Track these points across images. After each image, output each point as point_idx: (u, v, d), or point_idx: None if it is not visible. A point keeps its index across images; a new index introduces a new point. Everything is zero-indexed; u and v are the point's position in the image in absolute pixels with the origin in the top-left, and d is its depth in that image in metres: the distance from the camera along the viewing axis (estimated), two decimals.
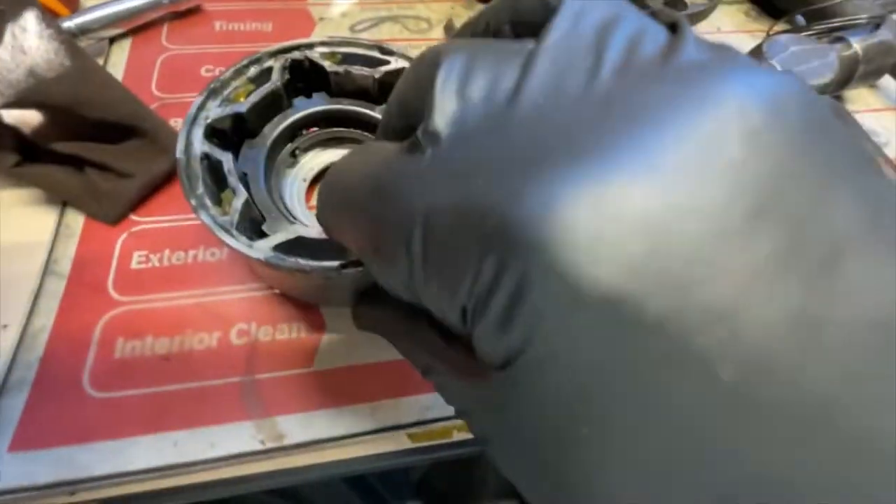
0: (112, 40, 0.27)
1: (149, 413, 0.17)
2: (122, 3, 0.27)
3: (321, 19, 0.30)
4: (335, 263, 0.15)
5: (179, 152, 0.17)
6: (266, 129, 0.20)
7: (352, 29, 0.30)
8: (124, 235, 0.21)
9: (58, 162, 0.21)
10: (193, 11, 0.29)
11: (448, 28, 0.30)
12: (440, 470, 0.42)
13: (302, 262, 0.15)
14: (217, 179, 0.17)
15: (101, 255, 0.21)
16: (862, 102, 0.31)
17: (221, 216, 0.16)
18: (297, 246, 0.16)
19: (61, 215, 0.22)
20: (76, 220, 0.21)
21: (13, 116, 0.20)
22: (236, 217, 0.16)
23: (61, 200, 0.22)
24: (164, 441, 0.17)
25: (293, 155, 0.22)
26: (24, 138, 0.21)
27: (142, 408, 0.17)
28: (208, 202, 0.16)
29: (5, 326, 0.19)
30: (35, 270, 0.20)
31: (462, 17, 0.31)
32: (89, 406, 0.17)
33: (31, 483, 0.16)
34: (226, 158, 0.17)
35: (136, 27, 0.28)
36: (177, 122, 0.24)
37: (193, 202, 0.16)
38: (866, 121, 0.29)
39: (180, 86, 0.26)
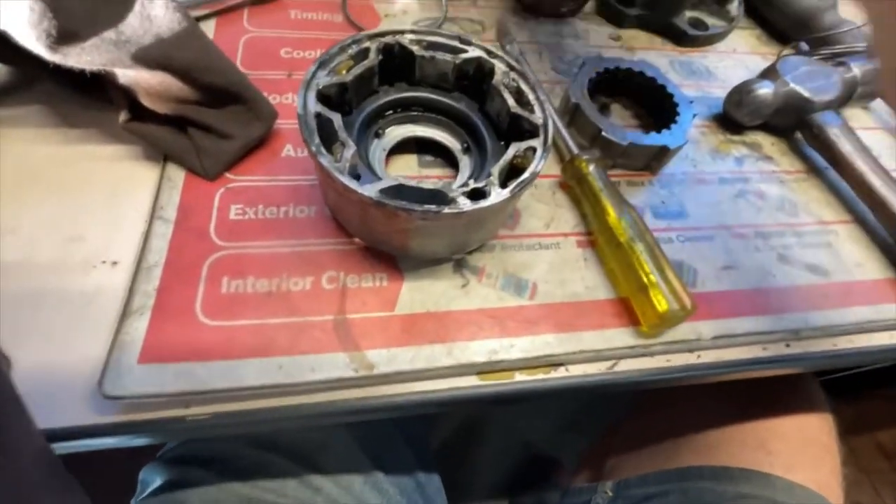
0: (197, 20, 0.30)
1: (255, 340, 0.20)
2: None
3: (386, 16, 0.33)
4: (433, 206, 0.18)
5: (300, 109, 0.19)
6: (358, 108, 0.23)
7: (413, 25, 0.33)
8: (222, 190, 0.24)
9: (162, 122, 0.24)
10: None
11: (502, 32, 0.33)
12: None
13: (404, 203, 0.18)
14: (327, 137, 0.20)
15: (202, 206, 0.23)
16: (858, 122, 0.35)
17: (333, 163, 0.19)
18: (397, 192, 0.19)
19: (163, 169, 0.24)
20: (177, 174, 0.24)
21: (127, 77, 0.22)
22: (347, 165, 0.19)
23: (162, 156, 0.24)
24: (271, 364, 0.19)
25: (377, 132, 0.24)
26: (135, 99, 0.23)
27: (249, 335, 0.20)
28: (324, 150, 0.19)
29: (115, 263, 0.21)
30: (143, 215, 0.22)
31: (511, 23, 0.34)
32: (204, 331, 0.19)
33: (160, 390, 0.18)
34: (335, 118, 0.20)
35: (220, 10, 0.30)
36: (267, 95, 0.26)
37: (314, 148, 0.18)
38: (862, 137, 0.33)
39: (263, 64, 0.28)
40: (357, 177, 0.20)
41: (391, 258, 0.23)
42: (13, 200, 0.22)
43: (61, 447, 0.18)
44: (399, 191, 0.18)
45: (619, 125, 0.27)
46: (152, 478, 0.34)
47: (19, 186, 0.23)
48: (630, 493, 0.43)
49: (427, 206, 0.18)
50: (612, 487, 0.45)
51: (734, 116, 0.31)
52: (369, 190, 0.18)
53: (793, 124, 0.31)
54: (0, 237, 0.21)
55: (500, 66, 0.23)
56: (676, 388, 0.55)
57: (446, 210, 0.18)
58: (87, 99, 0.25)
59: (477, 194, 0.19)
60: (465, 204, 0.18)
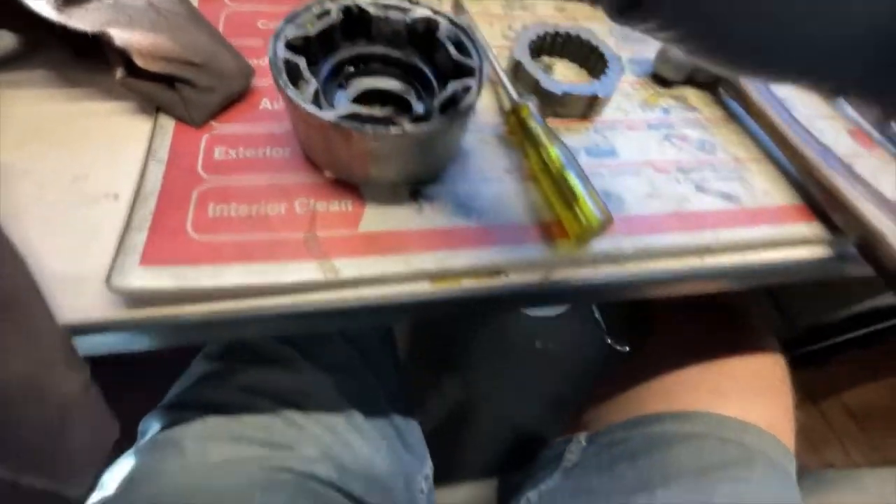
0: None
1: (238, 251, 0.23)
2: None
3: None
4: (382, 126, 0.22)
5: (270, 54, 0.23)
6: (323, 60, 0.27)
7: None
8: (207, 136, 0.27)
9: (153, 79, 0.27)
10: None
11: (456, 4, 0.37)
12: None
13: (358, 124, 0.22)
14: (294, 77, 0.23)
15: (190, 148, 0.26)
16: None
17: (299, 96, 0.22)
18: (353, 118, 0.22)
19: (155, 119, 0.27)
20: (168, 123, 0.27)
21: (122, 40, 0.26)
22: (310, 97, 0.22)
23: (155, 108, 0.28)
24: (251, 269, 0.23)
25: (340, 84, 0.28)
26: (129, 59, 0.27)
27: (232, 247, 0.23)
28: (291, 86, 0.22)
29: (116, 196, 0.25)
30: (139, 158, 0.26)
31: None
32: (194, 244, 0.23)
33: (158, 286, 0.21)
34: (301, 61, 0.24)
35: None
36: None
37: (282, 83, 0.22)
38: (778, 90, 0.37)
39: (242, 33, 0.32)
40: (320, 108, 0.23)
41: (355, 188, 0.26)
42: (24, 148, 0.26)
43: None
44: (355, 117, 0.22)
45: (556, 79, 0.31)
46: (150, 425, 0.37)
47: (29, 137, 0.26)
48: (599, 441, 0.46)
49: (377, 126, 0.22)
50: (585, 438, 0.48)
51: (662, 72, 0.35)
52: (329, 115, 0.22)
53: (713, 78, 0.36)
54: (15, 178, 0.25)
55: (443, 23, 0.27)
56: (642, 348, 0.59)
57: (393, 130, 0.22)
58: (86, 63, 0.29)
59: (420, 119, 0.23)
60: (409, 126, 0.22)
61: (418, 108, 0.28)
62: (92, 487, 0.21)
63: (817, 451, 0.94)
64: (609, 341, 1.06)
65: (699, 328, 0.50)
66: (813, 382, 0.97)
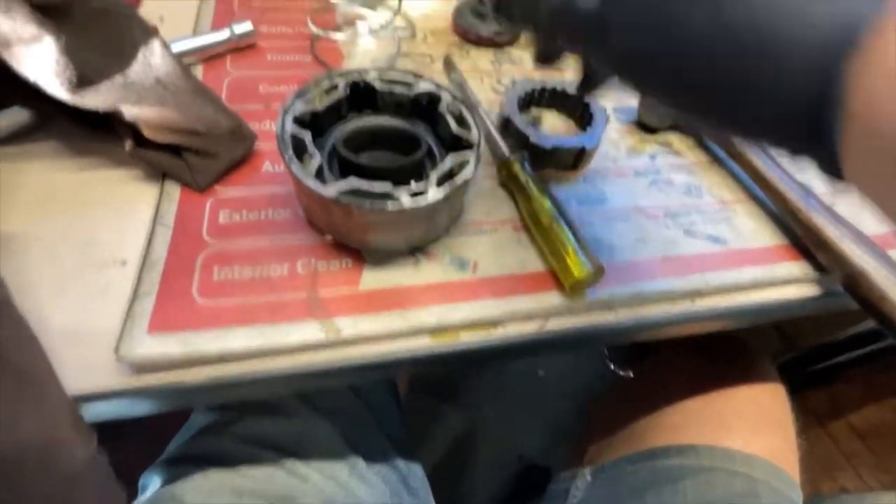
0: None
1: (241, 314, 0.24)
2: (196, 41, 0.35)
3: (348, 54, 0.39)
4: (379, 202, 0.23)
5: (278, 130, 0.24)
6: (330, 131, 0.28)
7: (372, 62, 0.39)
8: (211, 200, 0.28)
9: (160, 148, 0.29)
10: (250, 47, 0.37)
11: (447, 63, 0.39)
12: None
13: (357, 199, 0.23)
14: (299, 152, 0.25)
15: (195, 213, 0.27)
16: None
17: (302, 170, 0.23)
18: (354, 193, 0.23)
19: (162, 186, 0.28)
20: (174, 189, 0.28)
21: (132, 114, 0.27)
22: (313, 171, 0.24)
23: (161, 175, 0.29)
24: (254, 331, 0.23)
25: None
26: (138, 131, 0.28)
27: (236, 311, 0.24)
28: (296, 160, 0.24)
29: (124, 262, 0.26)
30: (146, 224, 0.27)
31: (456, 55, 0.40)
32: (199, 308, 0.24)
33: (165, 353, 0.22)
34: (307, 137, 0.25)
35: (206, 57, 0.36)
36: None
37: (287, 158, 0.23)
38: None
39: (244, 99, 0.34)
40: (324, 182, 0.24)
41: (355, 249, 0.27)
42: (38, 215, 0.27)
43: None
44: (354, 192, 0.23)
45: (545, 133, 0.33)
46: (151, 481, 0.37)
47: (42, 204, 0.27)
48: (605, 475, 0.46)
49: (375, 202, 0.23)
50: (590, 472, 0.48)
51: (645, 120, 0.37)
52: (329, 190, 0.23)
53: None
54: (26, 244, 0.26)
55: (445, 97, 0.28)
56: (645, 378, 0.59)
57: (390, 206, 0.23)
58: (96, 134, 0.30)
59: (417, 195, 0.24)
60: (406, 201, 0.23)
61: (418, 184, 0.29)
62: None
63: (830, 476, 0.92)
64: (612, 368, 1.05)
65: (700, 358, 0.50)
66: (819, 405, 0.96)
